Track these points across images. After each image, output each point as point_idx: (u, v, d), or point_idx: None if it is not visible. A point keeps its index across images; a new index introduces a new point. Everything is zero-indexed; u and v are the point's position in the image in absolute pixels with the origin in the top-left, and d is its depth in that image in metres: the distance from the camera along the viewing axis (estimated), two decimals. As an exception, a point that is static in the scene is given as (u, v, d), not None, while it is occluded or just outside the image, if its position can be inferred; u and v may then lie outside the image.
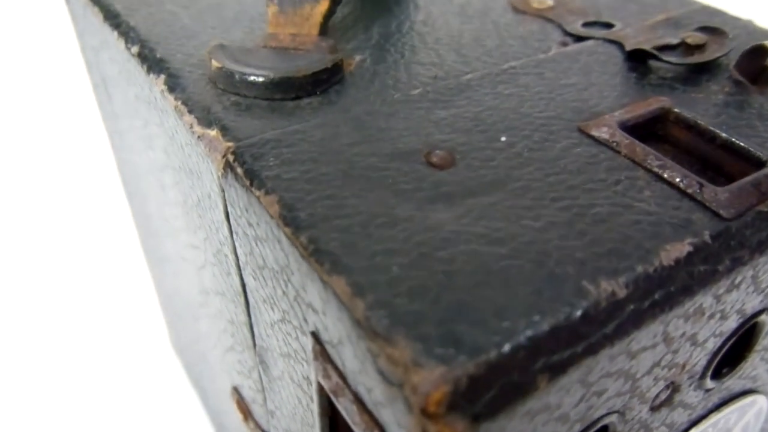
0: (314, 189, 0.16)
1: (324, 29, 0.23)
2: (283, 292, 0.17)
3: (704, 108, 0.20)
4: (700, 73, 0.22)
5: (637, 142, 0.18)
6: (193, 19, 0.26)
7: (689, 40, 0.23)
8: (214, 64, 0.21)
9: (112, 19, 0.26)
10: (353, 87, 0.21)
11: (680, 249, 0.15)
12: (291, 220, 0.15)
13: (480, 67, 0.22)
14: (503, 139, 0.18)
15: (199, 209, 0.23)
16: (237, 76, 0.20)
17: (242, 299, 0.21)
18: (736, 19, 0.26)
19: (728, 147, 0.19)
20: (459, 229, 0.15)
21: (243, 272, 0.20)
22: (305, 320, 0.16)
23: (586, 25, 0.25)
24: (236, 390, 0.29)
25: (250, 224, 0.18)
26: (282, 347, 0.19)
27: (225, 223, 0.20)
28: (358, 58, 0.23)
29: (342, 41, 0.24)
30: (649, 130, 0.20)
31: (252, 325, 0.22)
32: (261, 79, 0.20)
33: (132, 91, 0.26)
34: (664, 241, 0.15)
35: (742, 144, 0.18)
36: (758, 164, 0.18)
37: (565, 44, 0.24)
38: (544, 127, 0.19)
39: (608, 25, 0.25)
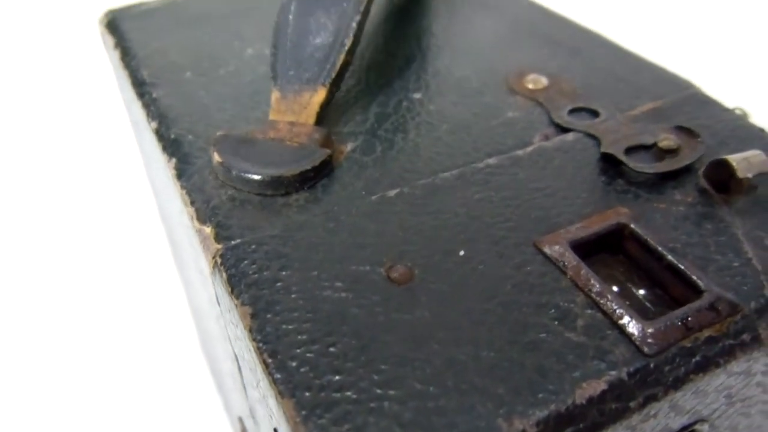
0: (284, 306, 0.19)
1: (320, 118, 0.25)
2: (257, 385, 0.20)
3: (663, 221, 0.22)
4: (668, 179, 0.23)
5: (583, 264, 0.20)
6: (210, 94, 0.28)
7: (662, 144, 0.24)
8: (216, 158, 0.23)
9: (138, 87, 0.29)
10: (339, 182, 0.23)
11: (595, 387, 0.17)
12: (258, 335, 0.18)
13: (460, 161, 0.24)
14: (462, 253, 0.20)
15: (201, 276, 0.25)
16: (234, 173, 0.23)
17: (236, 363, 0.24)
18: (725, 111, 0.27)
19: (673, 269, 0.20)
20: (402, 354, 0.17)
21: (234, 347, 0.23)
22: (271, 417, 0.19)
23: (573, 111, 0.27)
24: (240, 420, 0.32)
25: (232, 323, 0.20)
26: (264, 416, 0.22)
27: (217, 306, 0.22)
28: (349, 146, 0.25)
29: (339, 123, 0.26)
30: (606, 242, 0.21)
31: (244, 385, 0.25)
32: (255, 177, 0.22)
33: (154, 151, 0.29)
34: (582, 378, 0.17)
35: (684, 269, 0.20)
36: (696, 292, 0.19)
37: (547, 137, 0.25)
38: (504, 240, 0.21)
39: (594, 113, 0.26)
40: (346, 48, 0.26)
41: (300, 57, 0.26)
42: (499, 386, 0.17)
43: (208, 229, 0.22)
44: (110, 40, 0.33)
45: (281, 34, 0.27)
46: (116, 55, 0.32)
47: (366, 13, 0.27)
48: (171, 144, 0.25)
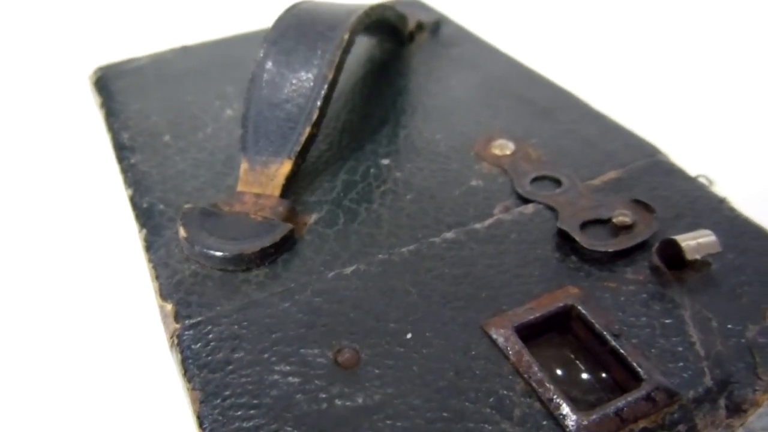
0: (233, 390, 0.19)
1: (286, 189, 0.26)
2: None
3: (612, 301, 0.22)
4: (622, 256, 0.24)
5: (525, 350, 0.20)
6: (186, 160, 0.29)
7: (617, 220, 0.24)
8: (181, 233, 0.24)
9: (118, 151, 0.30)
10: (299, 257, 0.24)
11: (524, 482, 0.17)
12: (205, 422, 0.19)
13: (420, 234, 0.25)
14: (409, 336, 0.21)
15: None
16: (197, 249, 0.23)
17: None
18: (687, 180, 0.27)
19: (615, 355, 0.20)
20: (339, 444, 0.18)
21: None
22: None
23: (536, 180, 0.27)
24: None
25: (187, 400, 0.21)
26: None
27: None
28: (313, 217, 0.26)
29: (306, 192, 0.27)
30: (555, 321, 0.22)
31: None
32: (217, 254, 0.23)
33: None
34: (513, 472, 0.17)
35: (625, 355, 0.20)
36: (636, 379, 0.20)
37: (507, 208, 0.26)
38: (452, 321, 0.21)
39: (556, 182, 0.27)
40: (312, 121, 0.26)
41: (268, 128, 0.27)
42: (429, 481, 0.17)
43: (168, 307, 0.22)
44: (98, 99, 0.34)
45: (252, 102, 0.28)
46: (102, 115, 0.33)
47: (334, 83, 0.27)
48: (143, 213, 0.26)
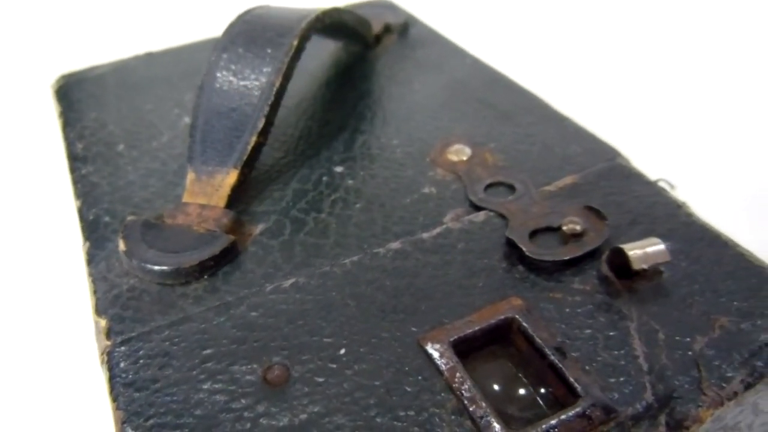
0: (157, 410, 0.19)
1: (232, 200, 0.26)
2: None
3: (556, 313, 0.21)
4: (570, 265, 0.23)
5: (459, 366, 0.19)
6: (138, 170, 0.29)
7: (566, 228, 0.23)
8: (121, 246, 0.24)
9: (71, 161, 0.30)
10: (240, 269, 0.23)
11: (447, 506, 0.17)
12: (125, 444, 0.18)
13: (365, 244, 0.24)
14: (342, 351, 0.20)
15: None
16: (135, 262, 0.23)
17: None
18: (646, 185, 0.26)
19: (555, 369, 0.20)
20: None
21: None
22: None
23: (490, 186, 0.27)
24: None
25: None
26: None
27: None
28: (259, 227, 0.25)
29: (255, 201, 0.27)
30: (497, 334, 0.21)
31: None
32: (154, 268, 0.23)
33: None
34: (436, 495, 0.17)
35: (563, 370, 0.19)
36: (574, 395, 0.19)
37: (458, 216, 0.25)
38: (388, 336, 0.21)
39: (511, 188, 0.26)
40: (259, 129, 0.26)
41: (215, 137, 0.26)
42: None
43: (102, 322, 0.22)
44: (57, 108, 0.34)
45: (201, 111, 0.27)
46: (59, 124, 0.33)
47: (282, 90, 0.27)
48: (88, 226, 0.26)
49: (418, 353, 0.20)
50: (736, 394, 0.19)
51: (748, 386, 0.20)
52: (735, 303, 0.21)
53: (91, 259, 0.24)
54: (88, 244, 0.25)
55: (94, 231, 0.26)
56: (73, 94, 0.35)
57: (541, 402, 0.20)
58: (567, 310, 0.21)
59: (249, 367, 0.20)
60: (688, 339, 0.20)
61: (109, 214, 0.26)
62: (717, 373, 0.20)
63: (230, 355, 0.20)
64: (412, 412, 0.19)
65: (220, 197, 0.25)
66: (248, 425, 0.18)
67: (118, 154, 0.30)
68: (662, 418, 0.19)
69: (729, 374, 0.20)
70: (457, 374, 0.19)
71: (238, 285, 0.23)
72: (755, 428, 0.23)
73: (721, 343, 0.20)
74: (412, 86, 0.34)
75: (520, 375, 0.20)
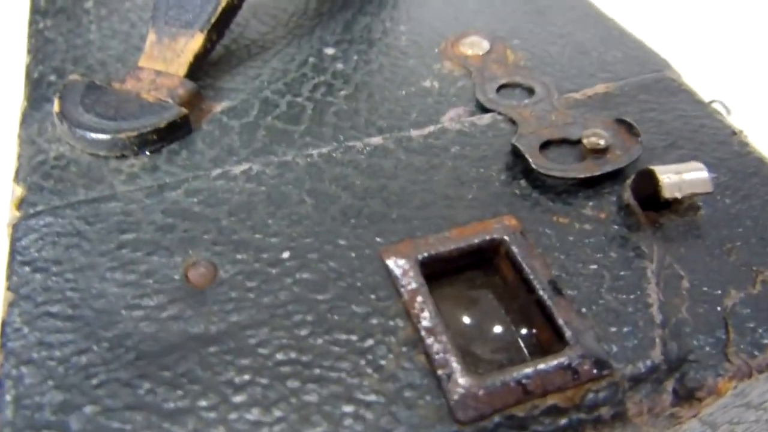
0: (51, 295, 0.16)
1: (194, 70, 0.21)
2: None
3: (557, 240, 0.17)
4: (586, 186, 0.18)
5: (423, 289, 0.16)
6: (102, 29, 0.25)
7: (586, 142, 0.19)
8: (56, 107, 0.20)
9: (32, 14, 0.26)
10: (189, 149, 0.20)
11: (373, 456, 0.13)
12: (7, 327, 0.15)
13: (342, 136, 0.20)
14: (285, 255, 0.17)
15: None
16: (66, 127, 0.19)
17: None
18: (695, 104, 0.21)
19: (542, 307, 0.16)
20: (157, 374, 0.14)
21: None
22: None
23: (504, 87, 0.22)
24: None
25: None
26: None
27: None
28: (223, 105, 0.21)
29: (225, 76, 0.23)
30: (481, 258, 0.17)
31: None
32: (87, 135, 0.19)
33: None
34: (364, 440, 0.13)
35: (552, 308, 0.15)
36: (561, 341, 0.15)
37: (459, 116, 0.21)
38: (343, 245, 0.17)
39: (529, 91, 0.22)
40: (232, -13, 0.22)
41: (184, -6, 0.22)
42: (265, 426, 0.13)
43: (19, 190, 0.19)
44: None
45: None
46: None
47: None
48: (31, 83, 0.22)
49: (378, 268, 0.16)
50: (770, 366, 0.15)
51: (787, 358, 0.15)
52: (787, 255, 0.17)
53: (24, 120, 0.21)
54: (25, 104, 0.21)
55: (35, 90, 0.22)
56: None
57: (522, 345, 0.16)
58: (571, 238, 0.17)
59: (170, 260, 0.16)
60: (719, 292, 0.16)
61: (57, 72, 0.23)
62: (750, 338, 0.15)
63: (151, 244, 0.17)
64: (354, 337, 0.15)
65: (181, 64, 0.21)
66: (153, 327, 0.15)
67: (84, 11, 0.26)
68: (669, 384, 0.15)
69: (765, 341, 0.15)
70: (419, 298, 0.15)
71: (182, 166, 0.19)
72: (786, 410, 0.18)
73: (760, 302, 0.16)
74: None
75: (502, 310, 0.16)
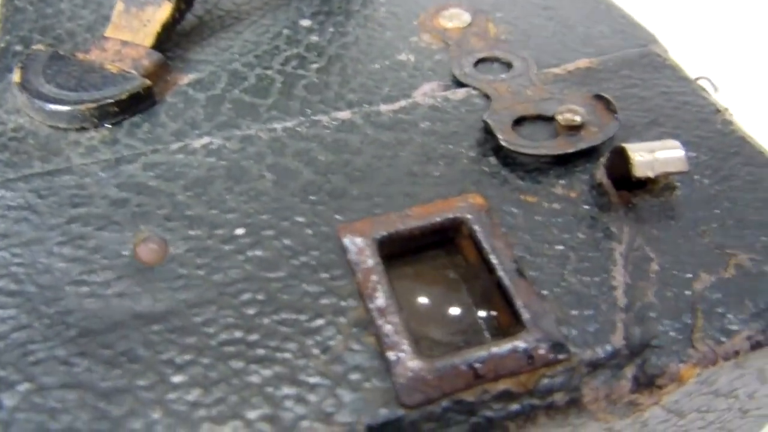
0: (-6, 267, 0.15)
1: (161, 40, 0.21)
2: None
3: (524, 220, 0.16)
4: (559, 164, 0.18)
5: (378, 268, 0.15)
6: (73, 2, 0.24)
7: (561, 118, 0.18)
8: (16, 77, 0.20)
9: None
10: (151, 122, 0.19)
11: (313, 440, 0.13)
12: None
13: (309, 110, 0.19)
14: (239, 232, 0.16)
15: None
16: (26, 97, 0.19)
17: None
18: (680, 81, 0.20)
19: (501, 288, 0.15)
20: (92, 352, 0.14)
21: None
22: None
23: (482, 61, 0.21)
24: None
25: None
26: None
27: None
28: (190, 77, 0.21)
29: (195, 47, 0.22)
30: (440, 237, 0.16)
31: None
32: (47, 106, 0.19)
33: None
34: (309, 418, 0.13)
35: (511, 290, 0.15)
36: (519, 323, 0.14)
37: (432, 90, 0.20)
38: (301, 222, 0.16)
39: (507, 66, 0.21)
40: (201, -45, 0.21)
41: (153, -39, 0.21)
42: (205, 408, 0.13)
43: (-26, 162, 0.18)
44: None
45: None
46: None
47: None
48: (-2, 53, 0.22)
49: (335, 247, 0.16)
50: (737, 353, 0.15)
51: (756, 346, 0.15)
52: (764, 238, 0.16)
53: None
54: None
55: (2, 60, 0.21)
56: None
57: (483, 328, 0.15)
58: (538, 218, 0.16)
59: (121, 235, 0.16)
60: (690, 275, 0.15)
61: (24, 42, 0.22)
62: (718, 323, 0.15)
63: (103, 219, 0.16)
64: (303, 317, 0.14)
65: (147, 35, 0.21)
66: (97, 304, 0.15)
67: (59, -19, 0.25)
68: (629, 371, 0.14)
69: (733, 327, 0.15)
70: (373, 278, 0.15)
71: (143, 140, 0.19)
72: (758, 400, 0.18)
73: (732, 287, 0.15)
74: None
75: (464, 292, 0.16)
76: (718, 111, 0.19)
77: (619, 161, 0.17)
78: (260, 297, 0.15)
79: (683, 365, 0.14)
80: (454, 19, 0.23)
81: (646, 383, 0.14)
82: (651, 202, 0.17)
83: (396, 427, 0.13)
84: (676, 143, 0.17)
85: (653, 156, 0.16)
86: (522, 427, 0.13)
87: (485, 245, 0.16)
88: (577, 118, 0.18)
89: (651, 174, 0.16)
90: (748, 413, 0.19)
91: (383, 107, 0.19)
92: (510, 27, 0.23)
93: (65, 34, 0.22)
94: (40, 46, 0.21)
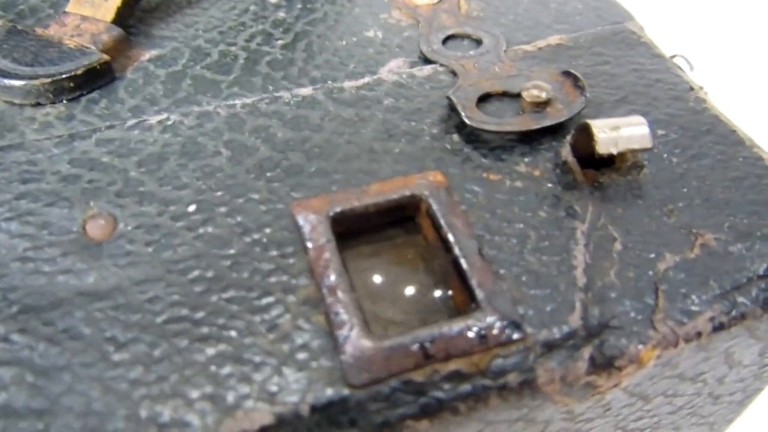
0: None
1: (123, 16, 0.20)
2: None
3: (484, 198, 0.16)
4: (522, 141, 0.17)
5: (331, 246, 0.15)
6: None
7: (526, 95, 0.18)
8: (-29, 51, 0.19)
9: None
10: (108, 99, 0.19)
11: (253, 419, 0.12)
12: None
13: (272, 87, 0.19)
14: (191, 209, 0.16)
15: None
16: (-19, 72, 0.18)
17: None
18: (654, 58, 0.20)
19: (457, 267, 0.15)
20: (35, 330, 0.13)
21: None
22: None
23: (451, 38, 0.21)
24: None
25: None
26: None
27: None
28: (151, 53, 0.20)
29: (160, 24, 0.21)
30: (399, 215, 0.16)
31: None
32: (1, 82, 0.18)
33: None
34: (253, 399, 0.12)
35: (466, 269, 0.14)
36: (474, 303, 0.14)
37: (398, 67, 0.20)
38: (255, 199, 0.16)
39: (476, 42, 0.20)
40: (164, -73, 0.20)
41: (115, -65, 0.21)
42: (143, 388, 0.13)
43: (-75, 138, 0.18)
44: None
45: None
46: None
47: None
48: (-43, 29, 0.21)
49: (288, 224, 0.15)
50: (699, 335, 0.14)
51: (718, 327, 0.14)
52: (732, 218, 0.16)
53: None
54: None
55: (-40, 35, 0.21)
56: None
57: (442, 308, 0.15)
58: (500, 196, 0.16)
59: (70, 212, 0.15)
60: (653, 255, 0.15)
61: (-12, 18, 0.22)
62: (680, 304, 0.14)
63: (52, 195, 0.16)
64: (253, 294, 0.14)
65: (108, 9, 0.20)
66: (42, 281, 0.14)
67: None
68: (586, 351, 0.14)
69: (695, 308, 0.14)
70: (325, 255, 0.14)
71: (100, 116, 0.18)
72: (729, 385, 0.17)
73: (696, 267, 0.15)
74: None
75: (422, 270, 0.15)
76: (691, 89, 0.19)
77: (584, 138, 0.16)
78: (209, 275, 0.14)
79: (643, 347, 0.14)
80: (427, -5, 0.22)
81: (604, 365, 0.14)
82: (618, 181, 0.17)
83: (342, 407, 0.13)
84: (641, 119, 0.16)
85: (617, 133, 0.16)
86: (473, 408, 0.13)
87: (443, 223, 0.15)
88: (543, 95, 0.18)
89: (614, 151, 0.16)
90: (720, 398, 0.19)
91: (346, 83, 0.19)
92: (482, 4, 0.22)
93: (27, 10, 0.22)
94: (8, 21, 0.20)
